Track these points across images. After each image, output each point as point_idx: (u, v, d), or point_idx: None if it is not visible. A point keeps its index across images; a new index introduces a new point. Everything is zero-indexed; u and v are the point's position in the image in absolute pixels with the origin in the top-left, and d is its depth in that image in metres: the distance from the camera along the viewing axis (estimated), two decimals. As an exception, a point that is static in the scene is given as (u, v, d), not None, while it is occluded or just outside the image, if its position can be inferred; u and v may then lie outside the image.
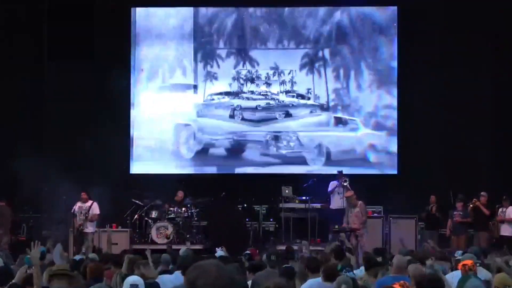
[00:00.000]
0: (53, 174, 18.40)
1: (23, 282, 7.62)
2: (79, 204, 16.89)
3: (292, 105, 20.07)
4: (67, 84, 19.47)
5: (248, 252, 12.67)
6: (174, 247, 15.62)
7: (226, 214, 17.97)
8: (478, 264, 9.32)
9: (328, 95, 20.02)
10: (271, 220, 18.90)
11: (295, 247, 13.69)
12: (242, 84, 20.22)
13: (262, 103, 20.14)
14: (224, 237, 16.61)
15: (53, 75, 19.79)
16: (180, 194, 18.44)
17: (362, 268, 9.99)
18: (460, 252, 11.79)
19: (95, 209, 16.92)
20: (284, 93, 20.12)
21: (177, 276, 9.14)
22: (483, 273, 8.98)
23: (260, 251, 13.84)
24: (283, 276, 8.31)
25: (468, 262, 8.41)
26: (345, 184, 17.41)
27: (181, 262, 9.82)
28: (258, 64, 20.16)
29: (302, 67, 20.08)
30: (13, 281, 7.37)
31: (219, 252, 12.30)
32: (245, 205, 18.81)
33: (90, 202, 16.89)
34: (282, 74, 20.10)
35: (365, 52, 20.03)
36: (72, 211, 16.82)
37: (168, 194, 18.60)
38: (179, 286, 8.29)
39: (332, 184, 17.93)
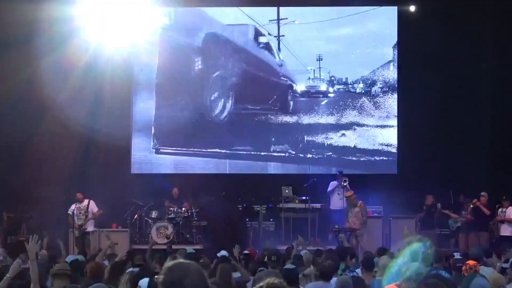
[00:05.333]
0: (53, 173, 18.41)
1: (17, 276, 7.49)
2: (76, 205, 16.84)
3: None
4: (68, 83, 19.42)
5: (247, 252, 12.63)
6: (174, 247, 15.61)
7: (226, 214, 17.96)
8: (480, 264, 9.32)
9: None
10: (271, 220, 18.89)
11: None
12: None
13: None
14: (223, 237, 16.60)
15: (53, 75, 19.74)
16: (175, 190, 18.52)
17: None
18: (459, 253, 11.78)
19: (94, 207, 16.88)
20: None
21: None
22: (486, 271, 8.97)
23: (259, 251, 13.81)
24: (286, 279, 8.21)
25: (471, 262, 8.41)
26: (345, 184, 17.42)
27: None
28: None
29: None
30: (7, 275, 7.23)
31: (222, 252, 12.16)
32: (245, 205, 18.81)
33: (86, 201, 16.86)
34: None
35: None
36: (71, 213, 16.78)
37: (168, 193, 18.66)
38: None
39: (332, 184, 17.94)
